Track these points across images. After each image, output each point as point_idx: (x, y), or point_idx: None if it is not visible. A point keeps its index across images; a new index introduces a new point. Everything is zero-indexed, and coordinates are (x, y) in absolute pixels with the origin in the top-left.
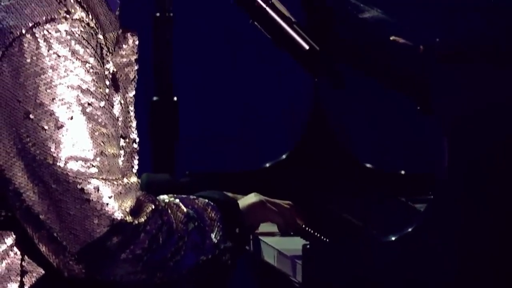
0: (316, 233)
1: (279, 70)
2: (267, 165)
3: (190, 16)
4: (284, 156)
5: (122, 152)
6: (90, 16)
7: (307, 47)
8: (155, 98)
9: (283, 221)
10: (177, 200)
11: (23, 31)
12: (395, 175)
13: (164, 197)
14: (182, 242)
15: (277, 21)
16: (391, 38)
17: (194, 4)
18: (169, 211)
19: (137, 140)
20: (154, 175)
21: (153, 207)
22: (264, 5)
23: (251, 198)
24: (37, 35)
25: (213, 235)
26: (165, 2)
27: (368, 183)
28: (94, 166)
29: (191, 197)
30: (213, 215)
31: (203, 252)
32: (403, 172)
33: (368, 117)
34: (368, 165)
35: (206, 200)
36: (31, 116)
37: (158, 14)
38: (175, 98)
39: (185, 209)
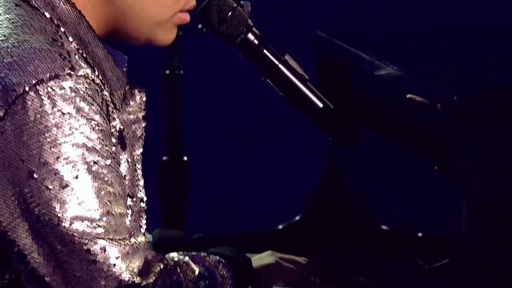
0: None
1: (292, 128)
2: (280, 226)
3: (201, 73)
4: (297, 218)
5: (129, 211)
6: (96, 72)
7: (321, 105)
8: (164, 158)
9: (300, 278)
10: (187, 258)
11: (27, 89)
12: (412, 237)
13: (174, 255)
14: None
15: (290, 78)
16: (407, 96)
17: (205, 61)
18: (179, 270)
19: (145, 199)
20: (166, 231)
21: (162, 266)
22: (276, 62)
23: (266, 256)
24: (40, 93)
25: None
26: (174, 59)
27: (384, 246)
28: (100, 226)
29: (202, 254)
30: (224, 272)
31: None
32: (420, 234)
33: (384, 177)
34: (384, 227)
35: (217, 257)
36: (35, 176)
37: (167, 72)
38: (185, 158)
39: (195, 268)
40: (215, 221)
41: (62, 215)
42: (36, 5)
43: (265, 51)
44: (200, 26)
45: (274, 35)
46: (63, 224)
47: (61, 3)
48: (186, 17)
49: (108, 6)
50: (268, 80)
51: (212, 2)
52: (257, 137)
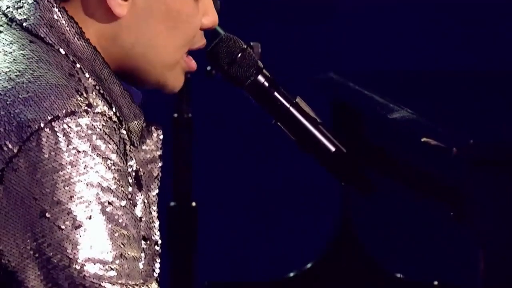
0: None
1: (304, 173)
2: (291, 274)
3: (210, 116)
4: (309, 265)
5: (143, 254)
6: (113, 109)
7: (333, 149)
8: (172, 204)
9: None
10: None
11: (42, 125)
12: (428, 286)
13: None
14: None
15: (302, 121)
16: (422, 140)
17: (214, 104)
18: None
19: (159, 242)
20: None
21: None
22: (287, 105)
23: None
24: (56, 129)
25: None
26: (183, 102)
27: None
28: (113, 269)
29: None
30: None
31: None
32: (436, 283)
33: (399, 223)
34: (399, 275)
35: None
36: (47, 215)
37: (176, 115)
38: (194, 204)
39: None
40: (224, 268)
41: (74, 256)
42: (50, 42)
43: (275, 93)
44: (209, 68)
45: (285, 76)
46: (74, 266)
47: (76, 39)
48: (192, 64)
49: (118, 50)
50: (279, 124)
51: (221, 43)
52: (269, 183)
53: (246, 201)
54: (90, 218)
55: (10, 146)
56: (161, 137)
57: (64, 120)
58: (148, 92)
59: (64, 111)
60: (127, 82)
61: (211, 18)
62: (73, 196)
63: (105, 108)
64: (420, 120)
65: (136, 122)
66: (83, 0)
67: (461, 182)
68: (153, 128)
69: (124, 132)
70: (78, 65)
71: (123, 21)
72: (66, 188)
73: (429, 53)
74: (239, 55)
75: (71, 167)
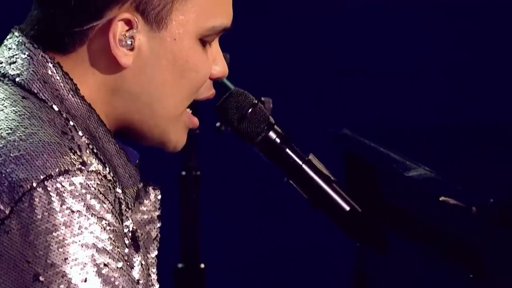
0: None
1: (317, 231)
2: None
3: (219, 174)
4: None
5: None
6: (108, 169)
7: (347, 208)
8: (180, 265)
9: None
10: None
11: (34, 184)
12: None
13: None
14: None
15: (315, 179)
16: (440, 199)
17: (223, 161)
18: None
19: None
20: None
21: None
22: (300, 162)
23: None
24: (49, 189)
25: None
26: (191, 160)
27: None
28: None
29: None
30: None
31: None
32: None
33: (415, 284)
34: None
35: None
36: (41, 278)
37: (183, 173)
38: (202, 265)
39: None
40: None
41: None
42: (44, 98)
43: (287, 150)
44: (218, 124)
45: (297, 132)
46: None
47: (70, 95)
48: (195, 121)
49: (120, 102)
50: (291, 181)
51: (230, 98)
52: (281, 241)
53: (257, 262)
54: (85, 281)
55: (1, 207)
56: (159, 197)
57: (57, 179)
58: (154, 149)
59: (57, 170)
60: (127, 138)
61: (220, 67)
62: (67, 258)
63: (100, 167)
64: (438, 178)
65: (131, 183)
66: (84, 50)
67: (480, 242)
68: (150, 188)
69: (120, 191)
70: (71, 123)
71: (127, 72)
72: (60, 249)
73: (448, 104)
74: (250, 110)
75: (65, 227)
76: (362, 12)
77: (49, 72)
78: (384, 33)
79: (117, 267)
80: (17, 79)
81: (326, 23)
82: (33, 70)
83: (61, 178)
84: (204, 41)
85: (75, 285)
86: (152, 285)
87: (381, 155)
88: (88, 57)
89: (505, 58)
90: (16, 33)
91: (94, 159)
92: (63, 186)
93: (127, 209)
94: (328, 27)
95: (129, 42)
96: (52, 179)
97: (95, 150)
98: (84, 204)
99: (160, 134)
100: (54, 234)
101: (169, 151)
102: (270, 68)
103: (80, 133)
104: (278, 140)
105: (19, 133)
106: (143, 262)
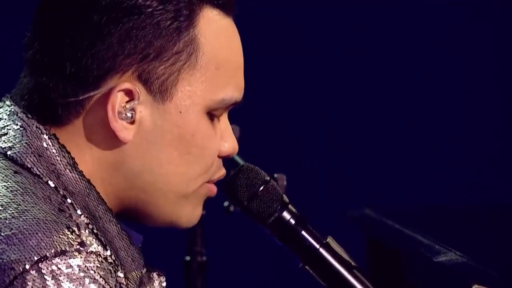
0: None
1: None
2: None
3: (227, 259)
4: None
5: None
6: (109, 251)
7: None
8: None
9: None
10: None
11: (27, 267)
12: None
13: None
14: None
15: (333, 265)
16: (474, 287)
17: (232, 245)
18: None
19: None
20: None
21: None
22: (317, 246)
23: None
24: (43, 271)
25: None
26: (196, 244)
27: None
28: None
29: None
30: None
31: None
32: None
33: None
34: None
35: None
36: None
37: (188, 258)
38: None
39: None
40: None
41: None
42: (38, 173)
43: (303, 232)
44: (226, 203)
45: (313, 213)
46: None
47: (67, 171)
48: (213, 189)
49: (121, 179)
50: (307, 267)
51: (240, 175)
52: None
53: None
54: None
55: None
56: (164, 284)
57: (53, 261)
58: (157, 231)
59: (53, 251)
60: (132, 219)
61: (230, 144)
62: None
63: (100, 248)
64: (471, 264)
65: (134, 267)
66: (80, 122)
67: None
68: (154, 274)
69: (122, 275)
70: (69, 200)
71: (128, 147)
72: None
73: (476, 186)
74: (261, 188)
75: None
76: (374, 87)
77: (44, 145)
78: (402, 113)
79: None
80: (8, 152)
81: (345, 94)
82: (26, 143)
83: (57, 260)
84: (212, 115)
85: None
86: None
87: (407, 238)
88: (84, 130)
89: None
90: (8, 102)
91: (93, 239)
92: (59, 269)
93: None
94: (346, 98)
95: (129, 115)
96: (47, 261)
97: (95, 231)
98: None
99: (169, 214)
100: None
101: (181, 228)
102: (283, 142)
103: (79, 212)
104: (292, 221)
105: (11, 210)
106: None
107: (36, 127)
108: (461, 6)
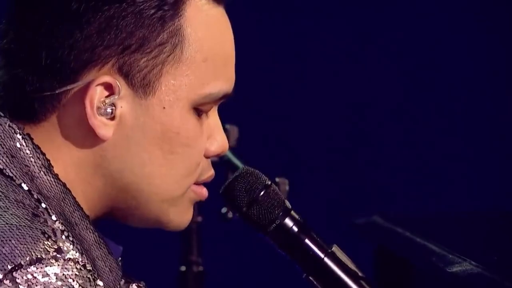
0: None
1: None
2: None
3: (225, 269)
4: None
5: None
6: (86, 259)
7: None
8: None
9: None
10: None
11: (0, 276)
12: None
13: None
14: None
15: (339, 275)
16: None
17: (230, 254)
18: None
19: None
20: None
21: None
22: (321, 255)
23: None
24: (18, 281)
25: None
26: (192, 253)
27: None
28: None
29: None
30: None
31: None
32: None
33: None
34: None
35: None
36: None
37: (183, 269)
38: None
39: None
40: None
41: None
42: (11, 175)
43: (307, 240)
44: (224, 210)
45: (318, 220)
46: None
47: (42, 173)
48: (203, 192)
49: (101, 181)
50: (310, 278)
51: (239, 179)
52: None
53: None
54: None
55: None
56: None
57: (28, 269)
58: (150, 239)
59: (28, 258)
60: (118, 220)
61: (218, 142)
62: None
63: (78, 255)
64: (487, 274)
65: (112, 278)
66: (57, 120)
67: None
68: (134, 285)
69: (101, 283)
70: (43, 205)
71: (108, 145)
72: None
73: (491, 193)
74: (262, 193)
75: None
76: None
77: (18, 145)
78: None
79: None
80: None
81: (355, 97)
82: None
83: (32, 268)
84: (200, 111)
85: None
86: None
87: (418, 247)
88: (61, 127)
89: None
90: None
91: (71, 245)
92: (35, 278)
93: None
94: (353, 100)
95: (109, 110)
96: (21, 269)
97: (70, 238)
98: None
99: (156, 216)
100: None
101: (170, 230)
102: (285, 144)
103: (54, 218)
104: (295, 229)
105: None
106: None
107: (9, 126)
108: (461, 6)
